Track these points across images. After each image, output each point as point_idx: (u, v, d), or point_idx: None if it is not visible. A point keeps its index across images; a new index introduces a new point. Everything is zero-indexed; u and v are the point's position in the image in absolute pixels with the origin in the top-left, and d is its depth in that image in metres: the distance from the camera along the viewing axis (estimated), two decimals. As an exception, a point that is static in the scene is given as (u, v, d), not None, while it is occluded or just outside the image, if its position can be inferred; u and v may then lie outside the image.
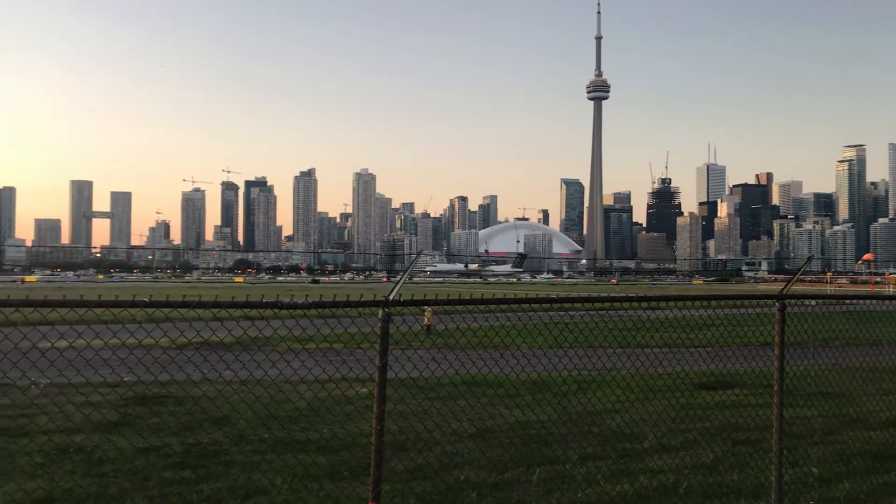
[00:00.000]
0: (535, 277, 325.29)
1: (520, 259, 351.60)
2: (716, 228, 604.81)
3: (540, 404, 13.38)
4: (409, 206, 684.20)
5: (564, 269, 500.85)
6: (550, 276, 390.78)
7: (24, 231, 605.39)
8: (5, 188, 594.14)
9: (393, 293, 5.70)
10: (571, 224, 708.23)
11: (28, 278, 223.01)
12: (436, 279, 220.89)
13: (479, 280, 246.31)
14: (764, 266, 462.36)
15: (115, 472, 9.74)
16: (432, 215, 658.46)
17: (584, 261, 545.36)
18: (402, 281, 5.96)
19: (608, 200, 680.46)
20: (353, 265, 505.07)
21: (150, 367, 14.20)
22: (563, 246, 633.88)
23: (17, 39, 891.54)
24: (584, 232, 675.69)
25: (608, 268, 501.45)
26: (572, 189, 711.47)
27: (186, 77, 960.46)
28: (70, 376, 13.66)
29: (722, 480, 9.83)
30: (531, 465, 10.30)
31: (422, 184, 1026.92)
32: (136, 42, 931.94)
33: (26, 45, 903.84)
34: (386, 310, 5.67)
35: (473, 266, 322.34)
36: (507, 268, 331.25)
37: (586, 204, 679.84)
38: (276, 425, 12.41)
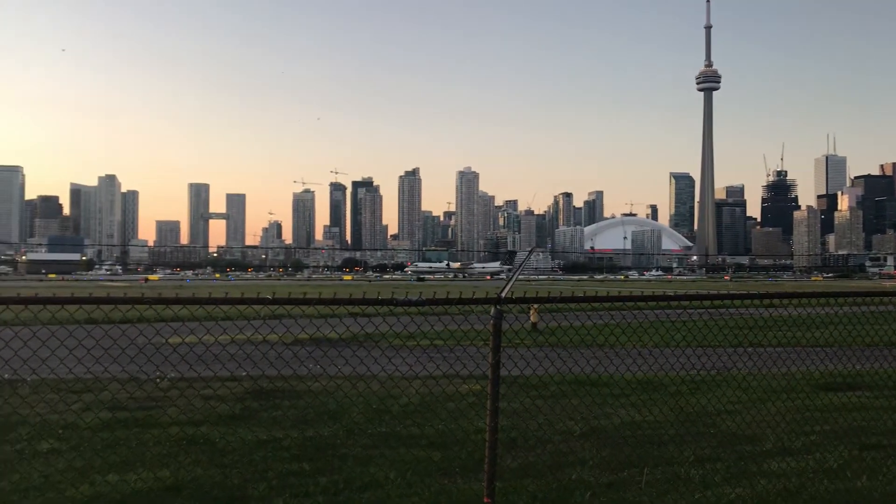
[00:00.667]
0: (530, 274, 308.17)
1: (508, 256, 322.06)
2: (836, 222, 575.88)
3: (651, 404, 13.09)
4: (513, 204, 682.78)
5: (674, 265, 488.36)
6: (660, 273, 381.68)
7: (147, 232, 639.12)
8: (130, 192, 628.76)
9: (505, 291, 5.72)
10: (681, 219, 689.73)
11: (151, 277, 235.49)
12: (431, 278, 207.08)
13: (463, 278, 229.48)
14: (890, 261, 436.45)
15: (238, 462, 10.15)
16: (536, 212, 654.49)
17: (695, 257, 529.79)
18: (513, 279, 5.97)
19: (720, 194, 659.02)
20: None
21: (268, 362, 14.71)
22: (672, 242, 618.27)
23: (139, 54, 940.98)
24: (695, 227, 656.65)
25: (721, 264, 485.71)
26: (682, 183, 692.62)
27: (296, 83, 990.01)
28: (198, 370, 14.38)
29: (850, 486, 9.37)
30: (644, 465, 10.10)
31: (525, 181, 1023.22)
32: (249, 50, 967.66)
33: (149, 58, 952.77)
34: (498, 307, 5.69)
35: (456, 264, 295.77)
36: (496, 265, 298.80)
37: (697, 198, 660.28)
38: (388, 420, 12.64)
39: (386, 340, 23.90)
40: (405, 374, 13.29)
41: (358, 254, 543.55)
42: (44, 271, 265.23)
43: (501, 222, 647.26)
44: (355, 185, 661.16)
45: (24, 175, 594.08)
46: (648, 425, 12.51)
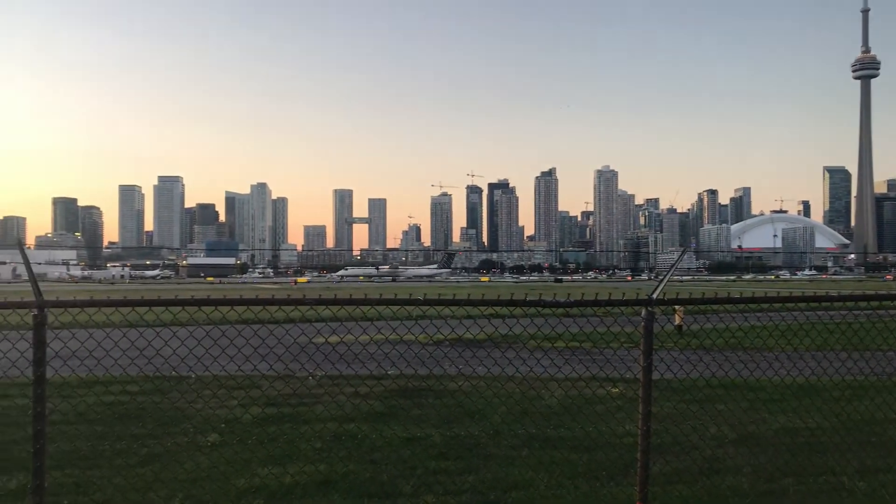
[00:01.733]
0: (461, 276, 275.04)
1: (447, 258, 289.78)
2: None
3: (808, 410, 12.42)
4: (654, 202, 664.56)
5: (829, 264, 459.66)
6: (813, 272, 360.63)
7: (295, 237, 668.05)
8: (279, 199, 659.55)
9: (656, 292, 5.60)
10: (837, 216, 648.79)
11: (300, 279, 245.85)
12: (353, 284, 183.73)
13: (392, 282, 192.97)
14: None
15: (385, 459, 10.45)
16: (679, 210, 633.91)
17: (852, 255, 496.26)
18: (666, 279, 5.83)
19: (880, 188, 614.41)
20: (596, 264, 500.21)
21: (410, 361, 15.02)
22: (827, 239, 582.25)
23: (287, 69, 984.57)
24: (852, 224, 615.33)
25: (882, 263, 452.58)
26: (837, 177, 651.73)
27: (432, 89, 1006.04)
28: (341, 368, 14.94)
29: None
30: (802, 474, 9.60)
31: (667, 178, 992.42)
32: (387, 58, 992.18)
33: (294, 72, 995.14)
34: (650, 309, 5.58)
35: (385, 267, 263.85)
36: (433, 268, 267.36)
37: (854, 193, 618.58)
38: (530, 421, 12.64)
39: (522, 342, 23.90)
40: (547, 376, 13.26)
41: (495, 255, 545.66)
42: (202, 274, 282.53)
43: (642, 221, 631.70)
44: (491, 187, 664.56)
45: (183, 185, 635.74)
46: (807, 432, 11.86)
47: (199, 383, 15.66)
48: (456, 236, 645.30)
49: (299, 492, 9.00)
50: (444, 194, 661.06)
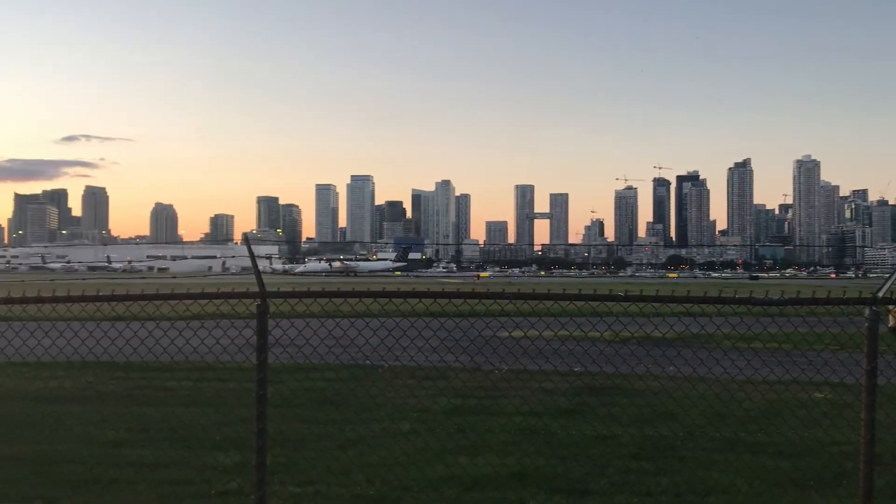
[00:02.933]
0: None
1: (403, 252, 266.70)
2: None
3: None
4: (861, 194, 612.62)
5: None
6: None
7: (478, 232, 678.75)
8: (462, 195, 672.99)
9: (883, 290, 5.15)
10: None
11: (482, 274, 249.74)
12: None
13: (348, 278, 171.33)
14: None
15: (576, 455, 10.36)
16: (890, 202, 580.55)
17: None
18: (894, 277, 5.34)
19: None
20: (795, 261, 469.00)
21: (595, 358, 14.79)
22: None
23: (468, 65, 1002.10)
24: None
25: None
26: None
27: (615, 80, 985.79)
28: (525, 363, 14.99)
29: None
30: None
31: (877, 167, 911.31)
32: (566, 56, 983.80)
33: (476, 69, 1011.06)
34: (874, 308, 5.14)
35: (336, 264, 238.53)
36: (387, 263, 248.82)
37: None
38: (726, 425, 12.07)
39: (716, 342, 22.82)
40: (743, 378, 12.60)
41: (683, 251, 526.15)
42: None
43: (848, 215, 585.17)
44: (680, 179, 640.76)
45: (373, 183, 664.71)
46: None
47: (391, 373, 16.28)
48: (641, 231, 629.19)
49: (493, 483, 9.13)
50: (629, 188, 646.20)
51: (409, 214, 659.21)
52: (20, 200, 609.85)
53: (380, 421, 12.31)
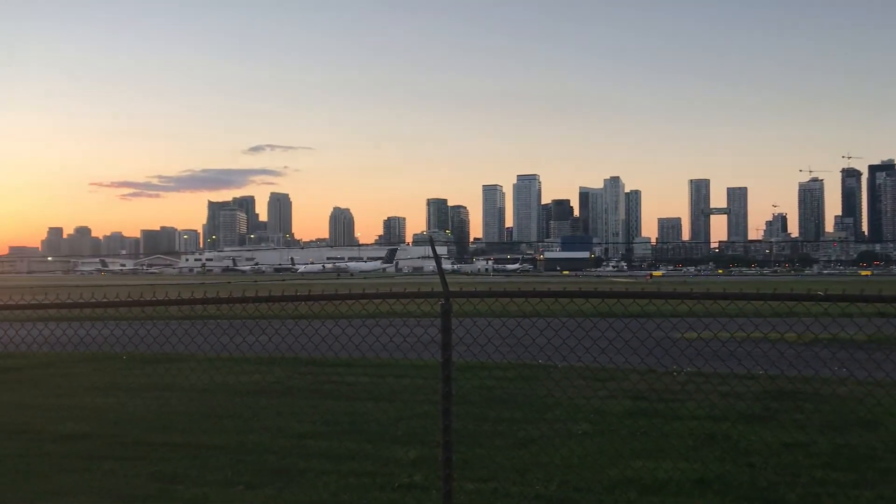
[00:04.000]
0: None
1: (389, 254, 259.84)
2: None
3: None
4: None
5: None
6: None
7: (649, 230, 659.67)
8: (632, 192, 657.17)
9: None
10: None
11: (654, 273, 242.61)
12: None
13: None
14: None
15: (763, 463, 9.87)
16: None
17: None
18: None
19: None
20: None
21: (786, 361, 14.00)
22: None
23: (629, 63, 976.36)
24: None
25: None
26: None
27: (790, 64, 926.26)
28: (700, 365, 14.43)
29: None
30: None
31: None
32: (728, 43, 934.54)
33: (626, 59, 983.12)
34: None
35: (328, 266, 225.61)
36: (376, 264, 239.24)
37: None
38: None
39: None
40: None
41: (878, 246, 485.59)
42: (558, 268, 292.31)
43: None
44: (872, 169, 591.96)
45: (540, 182, 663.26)
46: None
47: (563, 373, 16.19)
48: (829, 226, 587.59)
49: (673, 488, 8.89)
50: (815, 180, 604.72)
51: (576, 213, 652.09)
52: (213, 207, 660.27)
53: (553, 421, 12.29)
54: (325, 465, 10.10)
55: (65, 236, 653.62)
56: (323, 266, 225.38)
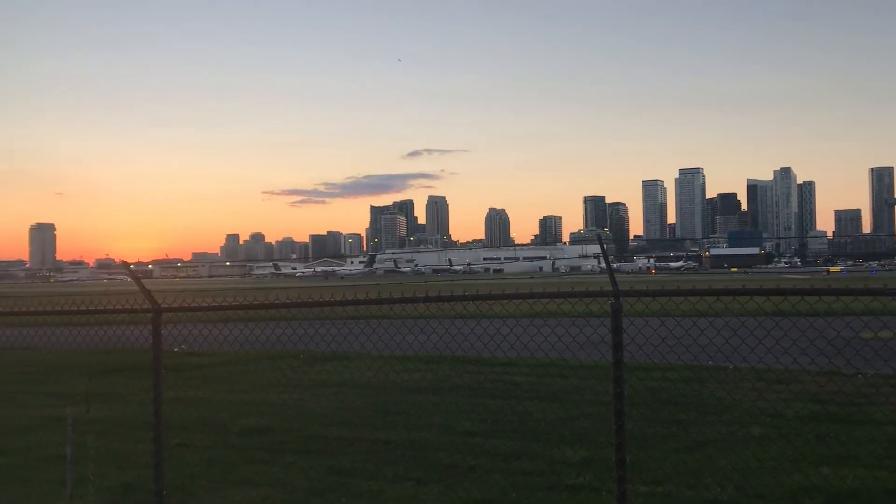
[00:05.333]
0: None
1: (370, 259, 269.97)
2: None
3: None
4: None
5: None
6: None
7: (825, 223, 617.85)
8: (805, 183, 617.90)
9: None
10: None
11: (831, 269, 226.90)
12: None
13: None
14: None
15: (968, 475, 9.02)
16: None
17: None
18: None
19: None
20: None
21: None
22: None
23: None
24: None
25: None
26: None
27: None
28: (895, 367, 13.34)
29: None
30: None
31: None
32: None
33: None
34: None
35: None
36: (360, 267, 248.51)
37: None
38: None
39: None
40: None
41: None
42: (725, 265, 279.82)
43: None
44: None
45: (703, 176, 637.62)
46: None
47: (737, 374, 15.50)
48: None
49: (861, 497, 8.30)
50: None
51: (744, 207, 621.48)
52: (375, 212, 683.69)
53: (727, 424, 11.77)
54: (492, 463, 10.20)
55: (241, 242, 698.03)
56: (315, 269, 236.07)
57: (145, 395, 14.39)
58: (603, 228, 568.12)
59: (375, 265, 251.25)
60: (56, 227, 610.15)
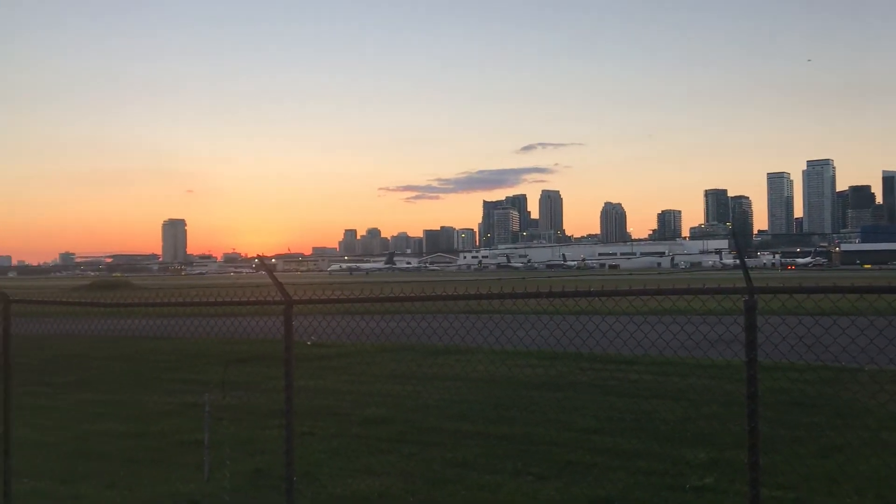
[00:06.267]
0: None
1: (389, 256, 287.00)
2: None
3: None
4: None
5: None
6: None
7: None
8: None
9: None
10: None
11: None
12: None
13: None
14: None
15: None
16: None
17: None
18: None
19: None
20: None
21: None
22: None
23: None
24: None
25: None
26: None
27: None
28: None
29: None
30: None
31: None
32: None
33: None
34: None
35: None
36: (380, 265, 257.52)
37: None
38: None
39: None
40: None
41: None
42: (858, 262, 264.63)
43: None
44: None
45: (834, 167, 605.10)
46: None
47: (871, 376, 14.65)
48: None
49: None
50: None
51: (878, 199, 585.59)
52: (487, 207, 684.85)
53: (864, 428, 11.16)
54: (612, 461, 10.07)
55: (358, 237, 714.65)
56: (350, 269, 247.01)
57: (272, 383, 15.03)
58: (725, 223, 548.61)
59: (394, 264, 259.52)
60: (186, 222, 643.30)
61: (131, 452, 11.23)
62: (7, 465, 8.51)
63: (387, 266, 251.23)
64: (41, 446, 11.29)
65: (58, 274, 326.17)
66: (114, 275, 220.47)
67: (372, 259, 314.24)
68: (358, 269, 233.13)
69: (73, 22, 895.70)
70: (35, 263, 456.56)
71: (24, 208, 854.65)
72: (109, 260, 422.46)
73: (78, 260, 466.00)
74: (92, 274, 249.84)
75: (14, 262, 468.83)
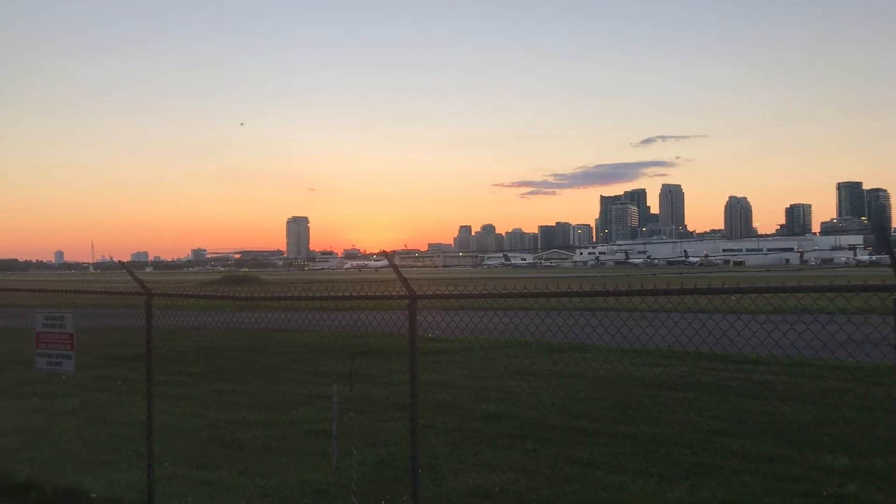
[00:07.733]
0: None
1: (505, 256, 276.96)
2: None
3: None
4: None
5: None
6: None
7: None
8: None
9: None
10: None
11: None
12: None
13: None
14: None
15: None
16: None
17: None
18: None
19: None
20: None
21: None
22: None
23: None
24: None
25: None
26: None
27: None
28: None
29: None
30: None
31: None
32: None
33: None
34: None
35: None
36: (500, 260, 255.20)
37: None
38: None
39: None
40: None
41: None
42: None
43: None
44: None
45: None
46: None
47: None
48: None
49: None
50: None
51: None
52: (605, 202, 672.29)
53: None
54: (740, 464, 9.70)
55: (473, 234, 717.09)
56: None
57: (393, 376, 15.33)
58: (860, 217, 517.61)
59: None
60: (309, 219, 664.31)
61: (262, 441, 11.68)
62: (150, 450, 9.04)
63: (504, 263, 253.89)
64: (178, 433, 11.92)
65: (190, 269, 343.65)
66: (242, 270, 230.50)
67: (488, 255, 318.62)
68: (365, 265, 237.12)
69: (207, 33, 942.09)
70: (169, 259, 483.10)
71: (159, 206, 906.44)
72: (238, 256, 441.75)
73: (208, 255, 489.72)
74: (221, 269, 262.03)
75: (150, 257, 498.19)
